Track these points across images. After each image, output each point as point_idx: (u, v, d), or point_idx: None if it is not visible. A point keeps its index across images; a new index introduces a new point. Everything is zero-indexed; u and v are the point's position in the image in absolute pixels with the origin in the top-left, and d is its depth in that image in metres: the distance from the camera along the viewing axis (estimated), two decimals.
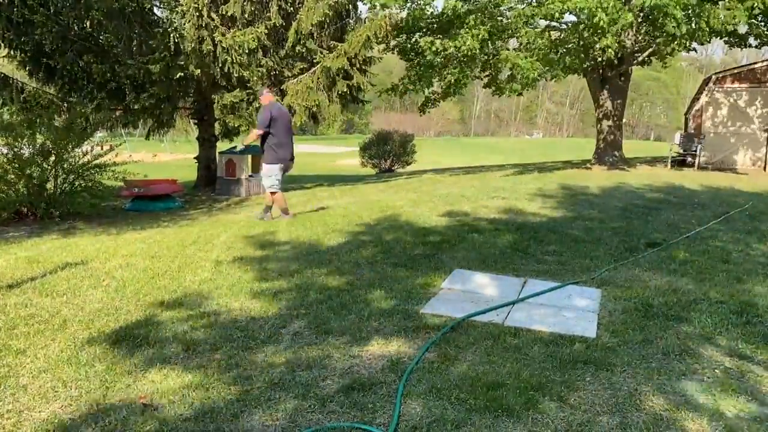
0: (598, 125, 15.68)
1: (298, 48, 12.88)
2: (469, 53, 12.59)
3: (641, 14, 11.99)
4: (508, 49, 14.12)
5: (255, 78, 12.39)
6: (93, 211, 9.80)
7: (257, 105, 12.73)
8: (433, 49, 12.84)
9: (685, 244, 6.29)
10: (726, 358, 3.46)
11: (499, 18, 12.54)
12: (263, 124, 8.06)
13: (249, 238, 6.86)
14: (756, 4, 10.71)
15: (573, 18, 13.19)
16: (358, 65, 12.93)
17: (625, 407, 2.88)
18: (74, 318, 4.11)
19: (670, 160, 15.28)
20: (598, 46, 11.62)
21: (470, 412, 2.81)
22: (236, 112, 13.12)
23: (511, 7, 13.00)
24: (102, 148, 10.26)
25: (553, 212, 8.16)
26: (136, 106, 11.97)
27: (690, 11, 11.09)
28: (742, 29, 13.75)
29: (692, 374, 3.24)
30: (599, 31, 11.02)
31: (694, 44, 13.61)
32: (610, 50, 11.24)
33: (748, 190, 10.62)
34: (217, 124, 14.57)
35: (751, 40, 14.11)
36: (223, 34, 11.66)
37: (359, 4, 14.80)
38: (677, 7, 10.44)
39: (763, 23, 12.77)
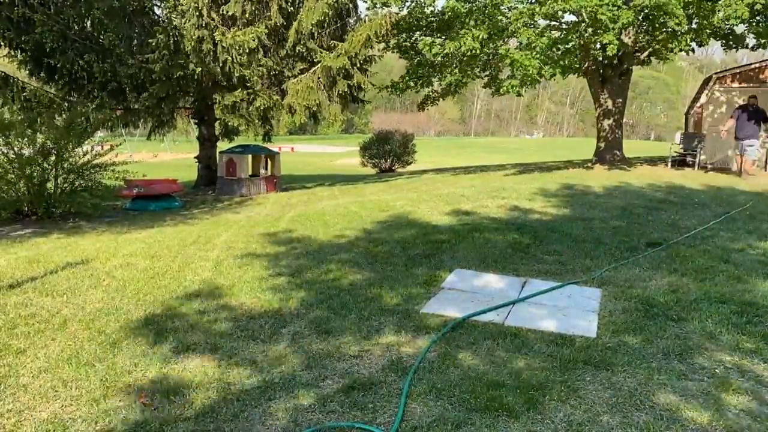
0: (599, 125, 15.66)
1: (298, 48, 12.88)
2: (469, 54, 12.58)
3: (641, 14, 11.98)
4: (508, 49, 14.11)
5: (255, 78, 12.39)
6: (93, 211, 9.80)
7: (257, 105, 12.74)
8: (433, 51, 12.85)
9: (686, 243, 6.29)
10: (726, 357, 3.45)
11: (499, 18, 12.52)
12: None
13: (249, 238, 6.86)
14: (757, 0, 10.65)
15: (573, 18, 13.18)
16: (358, 64, 12.94)
17: (625, 407, 2.88)
18: (74, 317, 4.11)
19: (670, 160, 15.27)
20: (599, 43, 11.59)
21: (471, 412, 2.81)
22: (237, 111, 13.12)
23: (512, 6, 12.98)
24: (102, 148, 10.26)
25: (553, 212, 8.15)
26: (136, 106, 11.97)
27: (691, 9, 11.07)
28: (739, 29, 13.73)
29: (693, 374, 3.24)
30: (602, 28, 10.98)
31: (693, 45, 13.58)
32: (611, 46, 11.20)
33: (749, 190, 10.61)
34: (217, 124, 14.58)
35: (749, 41, 14.07)
36: (224, 34, 11.66)
37: (359, 3, 14.79)
38: (678, 5, 10.42)
39: (761, 22, 12.71)
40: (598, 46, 12.38)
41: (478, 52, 12.57)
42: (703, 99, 16.02)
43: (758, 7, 10.86)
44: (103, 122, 11.63)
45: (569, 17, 13.30)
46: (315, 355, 3.49)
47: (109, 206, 11.06)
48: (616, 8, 10.53)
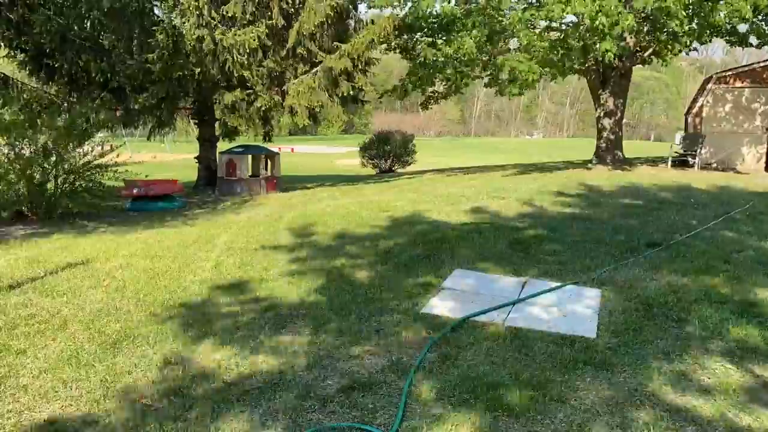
0: (599, 125, 15.65)
1: (299, 49, 12.88)
2: (467, 56, 12.59)
3: (642, 14, 11.96)
4: (508, 50, 14.10)
5: (256, 78, 12.39)
6: (94, 211, 9.80)
7: (258, 105, 12.73)
8: (432, 53, 12.87)
9: (686, 244, 6.29)
10: (726, 357, 3.45)
11: (499, 19, 12.50)
12: None
13: (249, 239, 6.86)
14: None
15: (573, 18, 13.18)
16: (360, 66, 12.93)
17: (625, 407, 2.88)
18: (74, 318, 4.11)
19: (670, 160, 15.27)
20: (597, 49, 11.56)
21: (471, 412, 2.81)
22: (237, 112, 13.11)
23: (511, 7, 12.97)
24: (102, 148, 10.26)
25: (553, 212, 8.15)
26: (136, 106, 11.97)
27: (691, 10, 11.05)
28: (743, 28, 13.71)
29: (692, 374, 3.24)
30: (599, 34, 10.95)
31: (695, 44, 13.56)
32: (609, 54, 11.18)
33: (749, 190, 10.60)
34: (217, 125, 14.57)
35: (752, 40, 14.06)
36: (224, 34, 11.65)
37: (359, 4, 14.75)
38: (680, 5, 10.39)
39: (763, 22, 12.69)
40: (597, 46, 12.38)
41: (474, 56, 12.57)
42: (703, 99, 16.02)
43: (761, 5, 10.80)
44: (103, 123, 11.63)
45: (569, 17, 13.30)
46: (315, 355, 3.49)
47: (110, 206, 11.05)
48: (617, 13, 10.48)
